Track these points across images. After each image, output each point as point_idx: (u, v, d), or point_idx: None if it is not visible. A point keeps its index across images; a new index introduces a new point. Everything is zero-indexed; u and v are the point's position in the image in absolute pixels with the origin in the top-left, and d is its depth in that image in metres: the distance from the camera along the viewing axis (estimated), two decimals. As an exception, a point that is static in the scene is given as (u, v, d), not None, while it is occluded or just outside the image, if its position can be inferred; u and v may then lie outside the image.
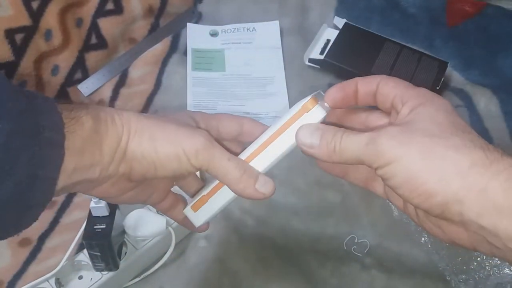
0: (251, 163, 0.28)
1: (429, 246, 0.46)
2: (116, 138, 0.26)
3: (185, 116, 0.30)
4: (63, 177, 0.24)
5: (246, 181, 0.27)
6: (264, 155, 0.28)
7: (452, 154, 0.22)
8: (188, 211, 0.31)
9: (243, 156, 0.29)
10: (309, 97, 0.27)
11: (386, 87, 0.27)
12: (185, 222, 0.33)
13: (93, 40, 0.59)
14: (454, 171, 0.22)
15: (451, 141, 0.23)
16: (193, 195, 0.33)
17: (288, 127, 0.28)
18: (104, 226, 0.38)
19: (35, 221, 0.24)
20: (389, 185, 0.24)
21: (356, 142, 0.25)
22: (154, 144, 0.27)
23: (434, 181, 0.22)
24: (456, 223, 0.23)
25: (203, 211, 0.30)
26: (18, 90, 0.23)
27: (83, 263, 0.41)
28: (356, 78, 0.28)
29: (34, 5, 0.53)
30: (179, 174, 0.28)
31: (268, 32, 0.64)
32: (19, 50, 0.52)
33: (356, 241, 0.48)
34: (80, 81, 0.58)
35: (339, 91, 0.27)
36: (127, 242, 0.43)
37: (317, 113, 0.27)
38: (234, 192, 0.28)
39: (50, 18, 0.54)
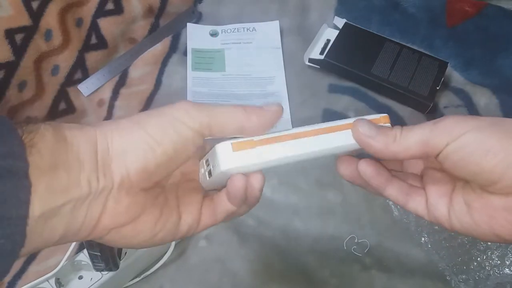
0: (273, 145, 0.25)
1: (429, 246, 0.46)
2: (90, 141, 0.22)
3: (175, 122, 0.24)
4: (35, 205, 0.19)
5: (253, 111, 0.24)
6: (321, 139, 0.25)
7: None
8: (223, 147, 0.24)
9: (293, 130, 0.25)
10: (381, 115, 0.27)
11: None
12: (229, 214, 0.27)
13: (93, 40, 0.59)
14: None
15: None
16: None
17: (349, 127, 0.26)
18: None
19: (4, 275, 0.19)
20: (458, 160, 0.24)
21: (420, 126, 0.25)
22: (140, 126, 0.23)
23: (509, 139, 0.23)
24: None
25: (245, 156, 0.24)
26: None
27: (83, 263, 0.41)
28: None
29: (34, 5, 0.53)
30: (182, 147, 0.23)
31: (268, 32, 0.64)
32: (19, 50, 0.52)
33: (356, 241, 0.48)
34: (80, 81, 0.58)
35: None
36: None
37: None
38: (249, 129, 0.24)
39: (50, 18, 0.54)
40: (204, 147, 0.27)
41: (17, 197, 0.19)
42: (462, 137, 0.24)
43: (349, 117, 0.27)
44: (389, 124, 0.27)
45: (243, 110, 0.24)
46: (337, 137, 0.26)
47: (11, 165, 0.19)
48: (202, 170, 0.27)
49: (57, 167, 0.20)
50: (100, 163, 0.22)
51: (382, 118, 0.27)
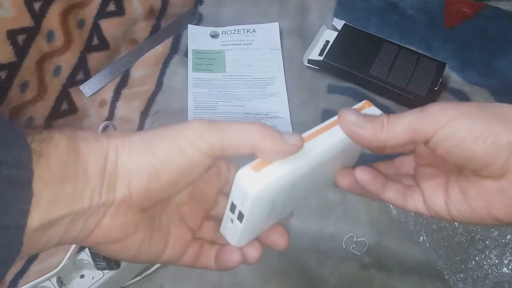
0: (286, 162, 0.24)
1: (428, 245, 0.47)
2: (102, 155, 0.22)
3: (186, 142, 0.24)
4: (36, 216, 0.19)
5: (272, 134, 0.23)
6: (311, 144, 0.24)
7: (508, 105, 0.24)
8: (245, 172, 0.23)
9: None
10: (363, 101, 0.27)
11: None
12: (220, 259, 0.26)
13: (95, 41, 0.59)
14: None
15: (501, 103, 0.24)
16: None
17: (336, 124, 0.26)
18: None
19: (2, 280, 0.19)
20: (449, 147, 0.24)
21: (408, 114, 0.25)
22: (149, 148, 0.22)
23: (498, 124, 0.23)
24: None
25: (267, 172, 0.23)
26: None
27: (84, 262, 0.42)
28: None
29: (36, 6, 0.54)
30: (188, 171, 0.23)
31: (268, 34, 0.64)
32: (21, 51, 0.52)
33: (355, 240, 0.48)
34: (82, 82, 0.58)
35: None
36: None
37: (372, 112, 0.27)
38: (265, 154, 0.23)
39: (52, 19, 0.55)
40: (217, 168, 0.26)
41: (18, 207, 0.19)
42: (450, 124, 0.24)
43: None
44: (374, 107, 0.27)
45: (259, 131, 0.23)
46: (329, 135, 0.25)
47: (16, 174, 0.19)
48: (229, 222, 0.25)
49: (64, 180, 0.20)
50: (106, 179, 0.22)
51: (364, 104, 0.27)
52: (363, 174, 0.27)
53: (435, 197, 0.27)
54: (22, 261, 0.46)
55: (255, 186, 0.23)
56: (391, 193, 0.28)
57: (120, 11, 0.60)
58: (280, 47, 0.63)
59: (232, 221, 0.25)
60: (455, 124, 0.23)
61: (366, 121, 0.25)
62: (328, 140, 0.25)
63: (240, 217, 0.24)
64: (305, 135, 0.25)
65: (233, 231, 0.26)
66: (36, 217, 0.19)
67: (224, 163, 0.27)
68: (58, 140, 0.21)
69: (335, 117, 0.26)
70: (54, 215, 0.20)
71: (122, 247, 0.24)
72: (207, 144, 0.23)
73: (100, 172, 0.22)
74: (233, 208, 0.24)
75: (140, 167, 0.22)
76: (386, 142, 0.25)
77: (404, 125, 0.24)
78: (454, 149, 0.24)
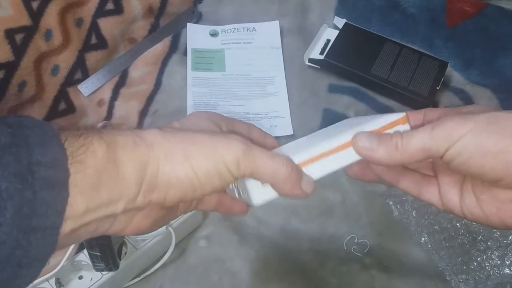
0: (306, 168, 0.26)
1: (429, 246, 0.46)
2: (141, 165, 0.22)
3: (206, 121, 0.27)
4: (71, 221, 0.20)
5: (295, 180, 0.25)
6: (325, 163, 0.26)
7: None
8: (253, 184, 0.26)
9: (298, 157, 0.26)
10: (400, 115, 0.28)
11: (432, 111, 0.29)
12: (223, 207, 0.29)
13: (93, 40, 0.59)
14: None
15: (509, 111, 0.24)
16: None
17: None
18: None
19: (33, 280, 0.20)
20: (460, 163, 0.24)
21: (419, 133, 0.25)
22: (190, 164, 0.23)
23: (506, 139, 0.23)
24: None
25: (271, 189, 0.26)
26: None
27: (83, 263, 0.41)
28: (405, 112, 0.29)
29: (34, 5, 0.53)
30: (218, 189, 0.25)
31: (268, 32, 0.64)
32: (19, 50, 0.52)
33: (356, 241, 0.48)
34: (80, 81, 0.58)
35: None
36: (127, 242, 0.43)
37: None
38: (280, 192, 0.26)
39: (50, 18, 0.54)
40: None
41: (55, 209, 0.19)
42: (460, 141, 0.24)
43: (349, 117, 0.28)
44: (407, 124, 0.28)
45: (286, 173, 0.25)
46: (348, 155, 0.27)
47: (52, 175, 0.19)
48: (230, 186, 0.28)
49: (99, 188, 0.21)
50: (144, 187, 0.22)
51: (400, 120, 0.28)
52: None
53: (451, 194, 0.28)
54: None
55: (258, 200, 0.26)
56: (407, 182, 0.29)
57: (118, 10, 0.59)
58: (280, 46, 0.63)
59: (232, 187, 0.28)
60: (463, 141, 0.24)
61: (380, 144, 0.26)
62: (341, 162, 0.27)
63: (239, 195, 0.28)
64: (310, 156, 0.26)
65: (230, 191, 0.29)
66: (69, 224, 0.20)
67: None
68: (97, 147, 0.21)
69: (349, 138, 0.27)
70: (86, 220, 0.21)
71: (147, 231, 0.26)
72: (241, 172, 0.24)
73: (138, 181, 0.22)
74: (234, 184, 0.27)
75: (179, 183, 0.23)
76: (402, 162, 0.26)
77: (417, 145, 0.25)
78: (464, 166, 0.24)
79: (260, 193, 0.26)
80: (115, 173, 0.21)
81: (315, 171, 0.26)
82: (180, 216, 0.42)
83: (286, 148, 0.29)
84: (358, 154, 0.26)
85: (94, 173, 0.20)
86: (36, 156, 0.19)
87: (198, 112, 0.29)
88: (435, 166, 0.29)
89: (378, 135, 0.26)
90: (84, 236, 0.22)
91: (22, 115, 0.20)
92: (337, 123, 0.32)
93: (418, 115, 0.29)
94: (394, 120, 0.28)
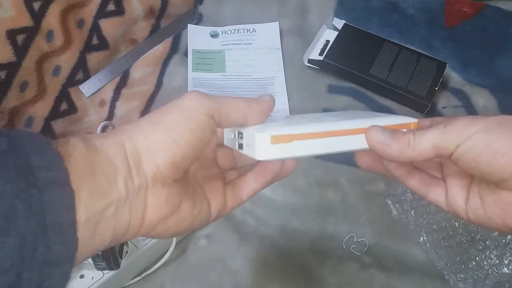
0: (312, 141, 0.26)
1: (428, 245, 0.47)
2: (118, 145, 0.23)
3: (187, 121, 0.26)
4: (81, 211, 0.20)
5: (252, 101, 0.26)
6: (332, 141, 0.26)
7: None
8: (263, 138, 0.25)
9: (303, 129, 0.26)
10: (412, 119, 0.28)
11: (439, 119, 0.29)
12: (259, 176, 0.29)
13: (95, 41, 0.59)
14: None
15: None
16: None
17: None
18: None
19: (66, 281, 0.20)
20: (468, 161, 0.25)
21: (431, 131, 0.26)
22: (158, 123, 0.24)
23: None
24: None
25: (281, 149, 0.25)
26: None
27: (84, 262, 0.42)
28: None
29: (36, 6, 0.54)
30: (201, 133, 0.24)
31: (268, 33, 0.64)
32: (20, 51, 0.52)
33: (355, 240, 0.48)
34: (81, 81, 0.58)
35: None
36: (128, 241, 0.43)
37: None
38: (250, 117, 0.26)
39: (51, 19, 0.55)
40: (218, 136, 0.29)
41: (63, 205, 0.20)
42: (470, 139, 0.25)
43: (379, 113, 0.28)
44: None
45: (244, 100, 0.26)
46: (353, 140, 0.27)
47: (53, 176, 0.20)
48: (232, 136, 0.28)
49: (95, 173, 0.21)
50: (132, 163, 0.23)
51: (412, 124, 0.28)
52: None
53: (458, 196, 0.28)
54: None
55: (264, 155, 0.25)
56: (415, 181, 0.30)
57: (119, 11, 0.60)
58: (280, 46, 0.63)
59: (233, 138, 0.28)
60: (474, 139, 0.25)
61: (393, 139, 0.26)
62: (346, 145, 0.27)
63: (240, 147, 0.27)
64: (325, 129, 0.26)
65: (230, 142, 0.29)
66: (82, 212, 0.20)
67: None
68: (75, 142, 0.22)
69: (360, 125, 0.27)
70: (96, 207, 0.21)
71: (178, 219, 0.25)
72: (207, 108, 0.25)
73: (123, 159, 0.23)
74: (240, 136, 0.27)
75: (158, 142, 0.24)
76: (413, 159, 0.26)
77: (429, 143, 0.26)
78: (472, 163, 0.25)
79: (266, 149, 0.25)
80: (100, 157, 0.22)
81: (320, 146, 0.26)
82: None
83: (290, 117, 0.29)
84: (370, 146, 0.27)
85: (84, 161, 0.21)
86: (34, 161, 0.19)
87: (183, 106, 0.26)
88: (444, 168, 0.30)
89: (392, 131, 0.27)
90: (109, 234, 0.22)
91: (14, 128, 0.21)
92: (337, 112, 0.33)
93: (424, 122, 0.30)
94: (406, 123, 0.28)
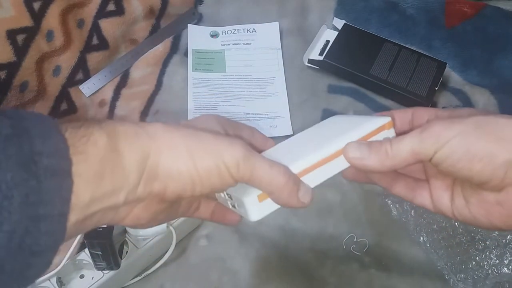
0: (303, 178, 0.26)
1: (428, 245, 0.47)
2: (142, 154, 0.22)
3: (212, 122, 0.27)
4: (77, 210, 0.20)
5: (291, 189, 0.25)
6: (320, 172, 0.27)
7: (504, 120, 0.24)
8: (251, 201, 0.26)
9: (294, 168, 0.26)
10: (385, 119, 0.28)
11: (420, 111, 0.29)
12: (218, 217, 0.30)
13: (95, 41, 0.59)
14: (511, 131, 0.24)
15: (498, 115, 0.25)
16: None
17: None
18: (105, 225, 0.38)
19: (46, 269, 0.20)
20: (448, 166, 0.25)
21: (408, 138, 0.26)
22: (192, 159, 0.23)
23: (493, 142, 0.24)
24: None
25: (268, 204, 0.26)
26: None
27: (84, 262, 0.42)
28: (392, 111, 0.30)
29: (36, 6, 0.54)
30: (217, 190, 0.25)
31: (268, 33, 0.64)
32: (20, 51, 0.52)
33: (355, 240, 0.48)
34: (81, 81, 0.58)
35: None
36: (128, 241, 0.43)
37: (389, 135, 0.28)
38: (277, 201, 0.26)
39: (51, 19, 0.55)
40: None
41: (60, 196, 0.19)
42: (447, 145, 0.25)
43: (361, 116, 0.28)
44: (392, 129, 0.29)
45: (283, 181, 0.25)
46: (340, 162, 0.27)
47: (55, 163, 0.19)
48: (222, 196, 0.28)
49: (102, 177, 0.21)
50: (145, 177, 0.23)
51: (386, 125, 0.28)
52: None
53: (442, 197, 0.28)
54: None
55: (256, 216, 0.26)
56: (401, 188, 0.30)
57: (119, 11, 0.60)
58: (280, 46, 0.63)
59: (225, 198, 0.28)
60: (451, 145, 0.24)
61: (371, 152, 0.26)
62: (331, 172, 0.27)
63: (234, 207, 0.28)
64: (306, 165, 0.26)
65: (222, 201, 0.29)
66: (75, 214, 0.20)
67: None
68: (97, 137, 0.21)
69: (340, 146, 0.27)
70: (91, 210, 0.21)
71: (148, 225, 0.26)
72: (240, 175, 0.24)
73: (139, 171, 0.22)
74: (229, 196, 0.27)
75: (180, 176, 0.23)
76: (393, 167, 0.26)
77: (407, 150, 0.26)
78: (451, 168, 0.25)
79: (257, 209, 0.26)
80: (116, 163, 0.21)
81: (310, 180, 0.27)
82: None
83: (279, 150, 0.29)
84: (350, 164, 0.27)
85: (97, 162, 0.21)
86: (38, 146, 0.19)
87: (207, 114, 0.29)
88: (426, 170, 0.30)
89: (368, 144, 0.27)
90: (88, 228, 0.22)
91: (22, 109, 0.21)
92: (326, 121, 0.33)
93: (406, 114, 0.30)
94: (380, 126, 0.28)
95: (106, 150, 0.21)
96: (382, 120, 0.29)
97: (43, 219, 0.19)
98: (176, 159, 0.23)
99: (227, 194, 0.27)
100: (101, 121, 0.22)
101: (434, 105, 0.58)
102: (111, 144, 0.21)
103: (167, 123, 0.24)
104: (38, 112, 0.21)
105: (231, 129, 0.28)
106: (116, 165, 0.21)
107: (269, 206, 0.26)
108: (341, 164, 0.27)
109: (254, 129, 0.30)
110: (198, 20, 0.66)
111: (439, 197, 0.28)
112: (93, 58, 0.59)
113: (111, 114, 0.58)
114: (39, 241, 0.19)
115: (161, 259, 0.45)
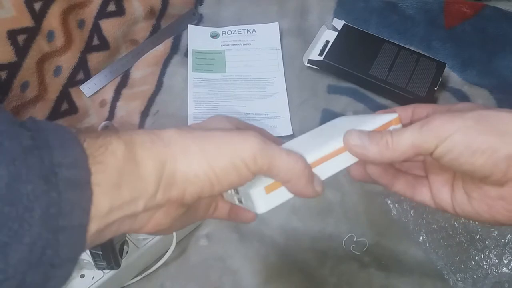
0: (314, 170, 0.26)
1: (427, 245, 0.47)
2: (160, 162, 0.22)
3: (224, 122, 0.28)
4: (96, 220, 0.20)
5: (308, 177, 0.25)
6: (329, 164, 0.27)
7: (505, 114, 0.24)
8: (258, 192, 0.26)
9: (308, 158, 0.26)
10: (393, 115, 0.28)
11: (420, 108, 0.29)
12: (233, 215, 0.30)
13: (95, 41, 0.59)
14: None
15: (499, 109, 0.25)
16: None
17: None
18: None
19: (66, 280, 0.20)
20: (449, 160, 0.25)
21: (409, 131, 0.26)
22: (207, 160, 0.23)
23: (495, 136, 0.24)
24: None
25: (275, 196, 0.26)
26: (17, 122, 0.19)
27: (84, 261, 0.42)
28: (393, 108, 0.30)
29: (37, 6, 0.54)
30: (235, 186, 0.25)
31: (268, 34, 0.64)
32: (21, 51, 0.52)
33: (355, 239, 0.48)
34: (82, 82, 0.59)
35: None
36: (128, 240, 0.43)
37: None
38: (292, 189, 0.26)
39: (52, 20, 0.55)
40: None
41: (80, 207, 0.20)
42: (449, 139, 0.24)
43: (368, 115, 0.29)
44: (400, 125, 0.29)
45: (300, 170, 0.25)
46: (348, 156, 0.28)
47: (75, 175, 0.19)
48: (229, 191, 0.28)
49: (121, 187, 0.21)
50: (163, 184, 0.23)
51: (393, 121, 0.28)
52: (374, 168, 0.29)
53: (442, 193, 0.28)
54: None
55: (263, 208, 0.26)
56: (401, 185, 0.30)
57: (120, 11, 0.60)
58: (280, 47, 0.63)
59: (231, 194, 0.28)
60: (453, 139, 0.24)
61: (371, 142, 0.26)
62: (337, 167, 0.27)
63: (240, 202, 0.28)
64: (314, 158, 0.27)
65: (229, 197, 0.29)
66: (94, 224, 0.20)
67: None
68: (115, 147, 0.21)
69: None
70: (110, 219, 0.21)
71: (169, 230, 0.26)
72: (258, 167, 0.24)
73: (157, 179, 0.22)
74: (235, 191, 0.27)
75: (197, 178, 0.23)
76: (393, 159, 0.26)
77: (407, 143, 0.25)
78: (454, 163, 0.25)
79: (264, 201, 0.26)
80: (135, 172, 0.22)
81: (320, 173, 0.27)
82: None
83: (289, 146, 0.29)
84: (350, 152, 0.27)
85: (115, 172, 0.21)
86: (57, 157, 0.19)
87: (218, 115, 0.29)
88: (426, 165, 0.30)
89: (369, 133, 0.27)
90: (107, 237, 0.22)
91: (41, 120, 0.21)
92: (334, 120, 0.33)
93: (406, 111, 0.30)
94: (387, 121, 0.28)
95: (125, 159, 0.21)
96: (389, 116, 0.29)
97: (63, 231, 0.19)
98: (192, 163, 0.23)
99: (234, 189, 0.27)
100: (118, 130, 0.23)
101: (433, 105, 0.58)
102: (129, 154, 0.22)
103: (181, 128, 0.24)
104: (58, 123, 0.21)
105: (243, 127, 0.29)
106: (134, 174, 0.22)
107: (276, 198, 0.26)
108: (349, 159, 0.27)
109: (263, 130, 0.30)
110: (199, 20, 0.67)
111: (439, 192, 0.28)
112: (93, 59, 0.59)
113: (111, 114, 0.58)
114: (59, 253, 0.19)
115: (161, 258, 0.45)
